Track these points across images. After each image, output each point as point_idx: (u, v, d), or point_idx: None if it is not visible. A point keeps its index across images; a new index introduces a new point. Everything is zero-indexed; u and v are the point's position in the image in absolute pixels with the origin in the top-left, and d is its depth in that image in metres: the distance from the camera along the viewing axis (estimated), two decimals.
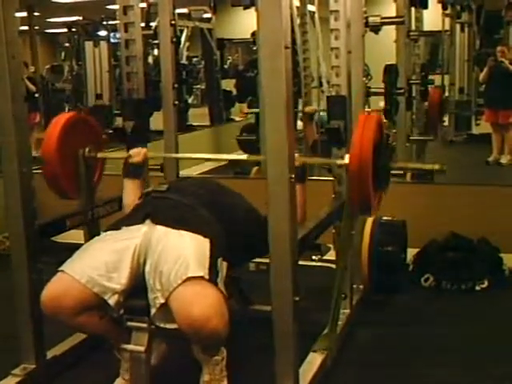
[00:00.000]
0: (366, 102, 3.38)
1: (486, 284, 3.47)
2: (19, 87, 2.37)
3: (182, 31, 8.30)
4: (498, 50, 7.13)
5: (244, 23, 7.96)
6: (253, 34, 6.35)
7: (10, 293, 2.48)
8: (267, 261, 2.16)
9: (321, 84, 5.98)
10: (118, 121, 3.57)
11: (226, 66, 10.03)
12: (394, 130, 5.22)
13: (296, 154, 2.15)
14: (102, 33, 8.89)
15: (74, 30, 9.08)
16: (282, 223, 2.06)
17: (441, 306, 3.33)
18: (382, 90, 3.95)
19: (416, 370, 2.65)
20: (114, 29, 8.31)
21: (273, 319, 2.14)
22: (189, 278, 2.05)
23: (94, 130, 2.85)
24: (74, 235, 2.78)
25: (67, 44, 9.60)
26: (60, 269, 2.19)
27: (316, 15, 6.07)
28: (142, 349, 2.14)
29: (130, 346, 2.16)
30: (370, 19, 3.20)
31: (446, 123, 7.60)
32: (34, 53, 8.25)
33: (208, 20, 8.31)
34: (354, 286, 3.11)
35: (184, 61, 8.50)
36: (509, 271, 3.60)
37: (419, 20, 5.82)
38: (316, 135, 5.65)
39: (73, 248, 2.30)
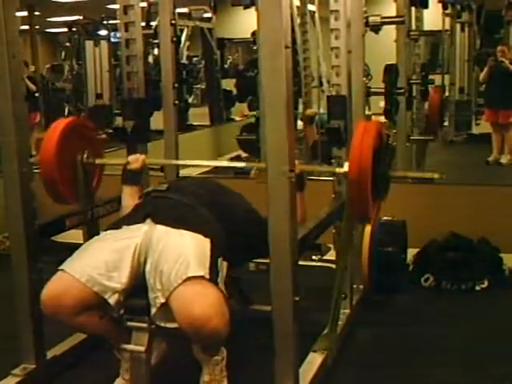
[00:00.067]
0: (366, 101, 3.38)
1: (485, 284, 3.47)
2: (19, 87, 2.37)
3: (182, 31, 8.30)
4: (498, 50, 7.13)
5: (244, 23, 7.96)
6: (253, 34, 6.34)
7: (10, 293, 2.48)
8: (267, 261, 2.16)
9: (321, 84, 5.97)
10: (118, 120, 3.56)
11: (226, 66, 10.03)
12: (395, 130, 5.22)
13: (296, 161, 2.14)
14: (103, 32, 8.89)
15: (74, 29, 9.07)
16: (282, 223, 2.06)
17: (441, 306, 3.33)
18: (383, 90, 3.95)
19: (416, 370, 2.65)
20: (114, 28, 8.30)
21: (273, 319, 2.14)
22: (189, 278, 2.05)
23: (93, 136, 2.84)
24: (74, 235, 2.78)
25: (67, 43, 9.59)
26: (60, 268, 2.18)
27: (316, 15, 6.07)
28: (142, 349, 2.14)
29: (130, 346, 2.16)
30: (370, 19, 3.20)
31: (446, 123, 7.60)
32: (35, 52, 8.25)
33: (208, 19, 8.32)
34: (354, 285, 3.11)
35: (184, 60, 8.50)
36: (509, 271, 3.60)
37: (419, 20, 5.82)
38: (316, 136, 5.66)
39: (72, 248, 2.30)
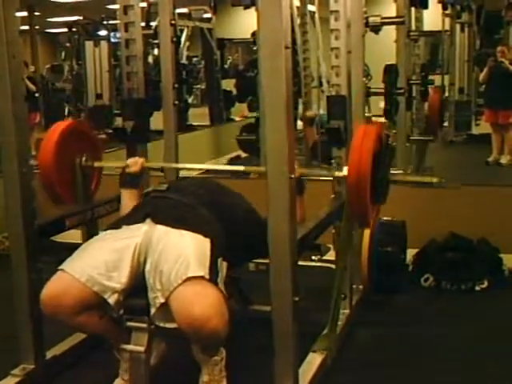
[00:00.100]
0: (365, 102, 3.38)
1: (485, 284, 3.47)
2: (19, 87, 2.37)
3: (182, 31, 8.31)
4: (498, 50, 7.13)
5: (244, 23, 7.96)
6: (253, 34, 6.35)
7: (10, 293, 2.48)
8: (267, 261, 2.16)
9: (321, 84, 5.97)
10: (118, 121, 3.56)
11: (226, 66, 10.03)
12: (394, 131, 5.23)
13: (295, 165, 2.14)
14: (103, 32, 8.89)
15: (74, 29, 9.07)
16: (281, 223, 2.06)
17: (440, 306, 3.33)
18: (382, 90, 3.96)
19: (416, 370, 2.65)
20: (114, 28, 8.30)
21: (272, 319, 2.14)
22: (189, 278, 2.04)
23: (92, 138, 2.84)
24: (74, 235, 2.78)
25: (67, 44, 9.59)
26: (60, 268, 2.19)
27: (316, 15, 6.07)
28: (141, 349, 2.14)
29: (130, 346, 2.16)
30: (370, 19, 3.20)
31: (446, 123, 7.60)
32: (35, 52, 8.26)
33: (208, 20, 8.32)
34: (354, 286, 3.11)
35: (184, 60, 8.51)
36: (508, 271, 3.60)
37: (419, 20, 5.83)
38: (316, 136, 5.66)
39: (72, 248, 2.30)
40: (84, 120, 7.98)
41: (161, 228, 2.25)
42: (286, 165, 2.02)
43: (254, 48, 6.34)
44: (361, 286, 3.20)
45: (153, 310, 2.11)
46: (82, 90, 8.84)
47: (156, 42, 6.06)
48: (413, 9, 5.35)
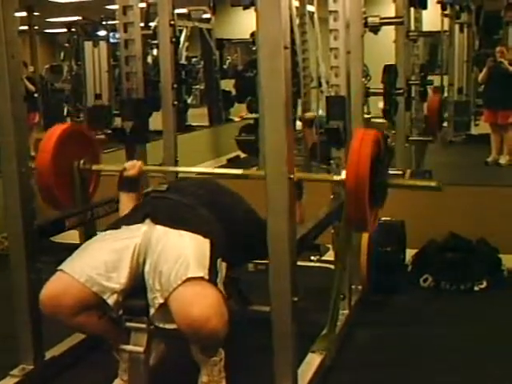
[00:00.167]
0: (365, 102, 3.38)
1: (484, 284, 3.47)
2: (18, 87, 2.37)
3: (181, 31, 8.31)
4: (497, 51, 7.14)
5: (243, 23, 7.97)
6: (252, 35, 6.37)
7: (9, 293, 2.48)
8: (266, 261, 2.16)
9: (320, 84, 5.98)
10: (117, 121, 3.57)
11: (225, 66, 10.04)
12: (394, 131, 5.23)
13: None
14: (102, 33, 8.89)
15: (73, 29, 9.07)
16: (280, 224, 2.06)
17: (439, 306, 3.33)
18: (381, 91, 3.95)
19: (415, 370, 2.64)
20: (113, 29, 8.31)
21: (271, 319, 2.13)
22: (189, 279, 2.04)
23: (90, 141, 2.84)
24: (73, 235, 2.78)
25: (66, 44, 9.59)
26: (59, 268, 2.18)
27: (315, 15, 6.08)
28: (140, 349, 2.14)
29: (129, 347, 2.16)
30: (369, 19, 3.20)
31: (445, 124, 7.60)
32: (34, 53, 8.24)
33: (207, 20, 8.32)
34: (353, 286, 3.11)
35: (183, 61, 8.51)
36: (507, 272, 3.60)
37: (418, 20, 5.83)
38: (315, 137, 5.67)
39: (71, 248, 2.30)
40: (82, 123, 7.99)
41: (160, 228, 2.25)
42: (285, 165, 2.02)
43: (253, 48, 6.36)
44: (360, 287, 3.20)
45: (152, 311, 2.11)
46: (81, 91, 8.84)
47: (155, 42, 6.07)
48: (412, 9, 5.35)
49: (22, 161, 2.39)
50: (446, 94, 7.86)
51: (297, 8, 5.96)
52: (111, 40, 8.66)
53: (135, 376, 2.18)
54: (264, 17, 1.97)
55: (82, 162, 2.70)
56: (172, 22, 3.16)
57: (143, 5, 6.27)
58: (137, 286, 2.18)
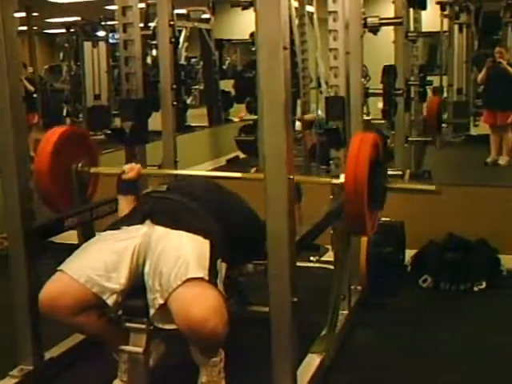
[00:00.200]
0: (364, 102, 3.38)
1: (484, 285, 3.47)
2: (17, 87, 2.37)
3: (180, 32, 8.31)
4: (496, 51, 7.14)
5: (243, 24, 7.98)
6: (251, 35, 6.36)
7: (8, 293, 2.48)
8: (265, 262, 2.15)
9: (319, 85, 5.99)
10: (117, 121, 3.57)
11: (224, 67, 10.04)
12: (393, 132, 5.22)
13: None
14: (101, 33, 8.90)
15: (72, 30, 9.09)
16: (280, 224, 2.06)
17: (439, 307, 3.33)
18: (381, 91, 3.96)
19: (415, 371, 2.64)
20: (112, 29, 8.33)
21: (271, 320, 2.13)
22: (189, 279, 2.04)
23: (88, 144, 2.83)
24: (73, 236, 2.78)
25: (66, 44, 9.61)
26: (59, 268, 2.18)
27: (314, 16, 6.09)
28: (140, 350, 2.13)
29: (129, 347, 2.16)
30: (369, 20, 3.20)
31: (445, 124, 7.60)
32: (33, 53, 8.27)
33: (207, 20, 8.32)
34: (353, 287, 3.11)
35: (183, 61, 8.51)
36: (507, 272, 3.60)
37: (417, 21, 5.83)
38: (314, 139, 5.68)
39: (71, 248, 2.30)
40: (81, 123, 7.99)
41: (160, 229, 2.25)
42: (285, 166, 2.02)
43: (253, 49, 6.35)
44: (359, 287, 3.20)
45: (152, 311, 2.11)
46: (80, 91, 8.86)
47: (154, 42, 6.06)
48: (411, 9, 5.36)
49: (21, 161, 2.39)
50: (445, 95, 7.86)
51: (296, 8, 5.97)
52: (110, 40, 8.68)
53: (135, 377, 2.18)
54: (263, 17, 1.97)
55: (80, 164, 2.69)
56: (171, 23, 3.16)
57: (142, 5, 6.28)
58: (136, 286, 2.18)
